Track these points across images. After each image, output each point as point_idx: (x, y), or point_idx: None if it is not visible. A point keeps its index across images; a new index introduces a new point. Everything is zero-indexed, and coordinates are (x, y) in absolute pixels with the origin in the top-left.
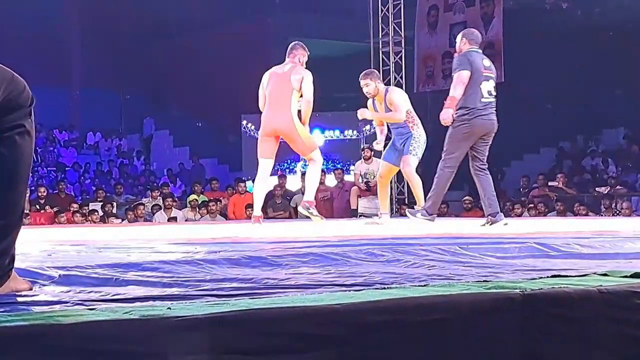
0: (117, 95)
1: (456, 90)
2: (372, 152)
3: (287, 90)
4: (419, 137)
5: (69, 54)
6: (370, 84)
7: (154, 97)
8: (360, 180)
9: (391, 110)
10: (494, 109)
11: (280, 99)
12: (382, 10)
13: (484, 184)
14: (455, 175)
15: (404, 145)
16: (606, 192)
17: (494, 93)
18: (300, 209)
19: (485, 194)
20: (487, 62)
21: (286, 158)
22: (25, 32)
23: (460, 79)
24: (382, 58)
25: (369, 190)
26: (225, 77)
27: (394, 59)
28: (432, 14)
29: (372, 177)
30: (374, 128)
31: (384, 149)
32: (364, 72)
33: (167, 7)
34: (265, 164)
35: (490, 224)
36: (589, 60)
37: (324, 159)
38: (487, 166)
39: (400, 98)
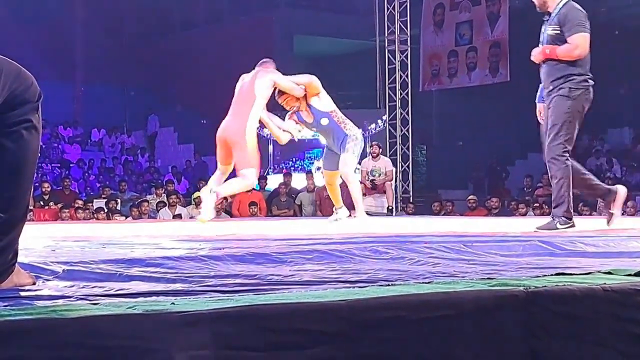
0: (121, 92)
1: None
2: (380, 150)
3: (248, 98)
4: (355, 136)
5: (73, 49)
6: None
7: (158, 94)
8: (367, 178)
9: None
10: None
11: (238, 106)
12: (388, 9)
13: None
14: (459, 174)
15: (341, 145)
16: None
17: None
18: (203, 192)
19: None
20: None
21: (291, 156)
22: (30, 27)
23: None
24: (388, 56)
25: (375, 188)
26: (229, 73)
27: (400, 57)
28: (438, 13)
29: (379, 174)
30: (379, 127)
31: (322, 159)
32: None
33: (171, 3)
34: (221, 169)
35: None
36: (594, 58)
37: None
38: None
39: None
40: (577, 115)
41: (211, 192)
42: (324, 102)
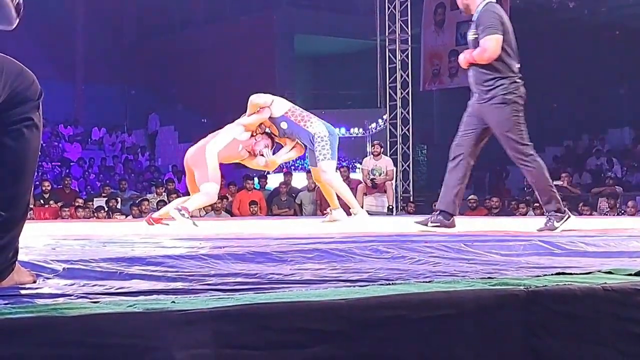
0: (122, 91)
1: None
2: (382, 149)
3: (215, 134)
4: (321, 136)
5: (74, 48)
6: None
7: (159, 93)
8: (367, 177)
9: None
10: None
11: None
12: (388, 8)
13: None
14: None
15: (313, 145)
16: (599, 192)
17: None
18: (172, 212)
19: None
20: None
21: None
22: (30, 26)
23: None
24: (389, 56)
25: (375, 187)
26: (230, 72)
27: (401, 56)
28: (438, 12)
29: (379, 174)
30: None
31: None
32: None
33: (172, 2)
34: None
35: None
36: (595, 59)
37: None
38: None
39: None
40: (519, 115)
41: (177, 210)
42: (275, 107)
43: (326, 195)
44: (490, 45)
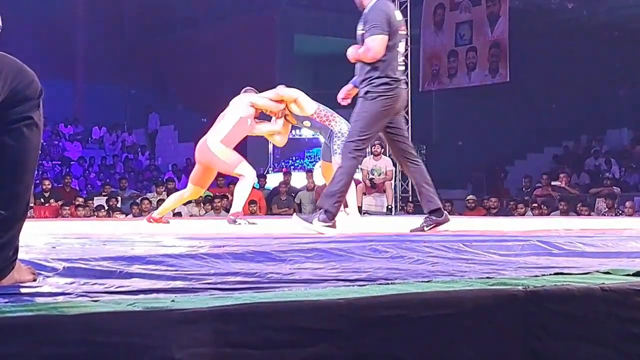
0: (122, 90)
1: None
2: (382, 149)
3: (221, 117)
4: (342, 133)
5: (75, 47)
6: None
7: (159, 92)
8: (367, 177)
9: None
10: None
11: (212, 126)
12: None
13: (418, 174)
14: (458, 174)
15: (330, 141)
16: (598, 192)
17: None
18: (227, 223)
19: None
20: (399, 14)
21: (291, 155)
22: (31, 25)
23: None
24: None
25: (374, 187)
26: (230, 72)
27: None
28: (438, 13)
29: (379, 174)
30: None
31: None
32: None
33: (172, 2)
34: (189, 188)
35: (432, 227)
36: (594, 59)
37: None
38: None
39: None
40: (376, 117)
41: (232, 221)
42: (303, 107)
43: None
44: (374, 45)
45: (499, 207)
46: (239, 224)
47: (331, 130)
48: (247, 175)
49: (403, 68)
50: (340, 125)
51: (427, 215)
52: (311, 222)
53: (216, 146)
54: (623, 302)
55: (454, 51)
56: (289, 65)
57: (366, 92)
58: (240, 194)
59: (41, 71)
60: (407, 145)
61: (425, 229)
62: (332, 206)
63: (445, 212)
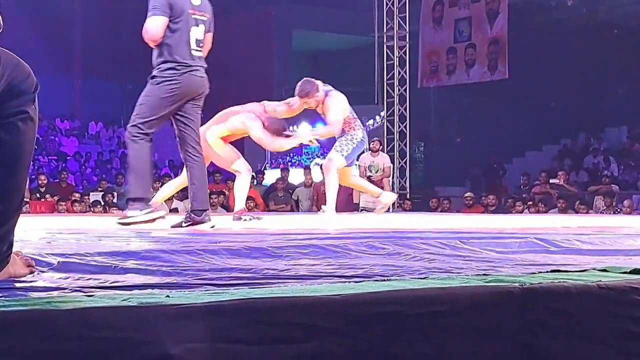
0: (119, 85)
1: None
2: (381, 146)
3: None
4: (353, 136)
5: (72, 42)
6: (310, 102)
7: None
8: (365, 173)
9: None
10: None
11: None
12: (387, 4)
13: (196, 172)
14: (456, 171)
15: (339, 135)
16: (596, 190)
17: (202, 44)
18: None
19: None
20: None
21: (289, 152)
22: (29, 20)
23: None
24: (387, 52)
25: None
26: (227, 68)
27: (398, 53)
28: (437, 9)
29: (376, 170)
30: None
31: None
32: (300, 86)
33: None
34: (184, 175)
35: (189, 224)
36: (593, 57)
37: (327, 153)
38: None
39: (338, 106)
40: (160, 102)
41: (237, 219)
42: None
43: (358, 188)
44: (149, 26)
45: (497, 204)
46: (245, 219)
47: (345, 132)
48: (243, 172)
49: (199, 54)
50: (356, 131)
51: (188, 213)
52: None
53: (214, 140)
54: (620, 299)
55: (453, 48)
56: (287, 61)
57: (153, 77)
58: (240, 192)
59: (38, 66)
60: (192, 137)
61: (184, 224)
62: (143, 197)
63: (207, 214)
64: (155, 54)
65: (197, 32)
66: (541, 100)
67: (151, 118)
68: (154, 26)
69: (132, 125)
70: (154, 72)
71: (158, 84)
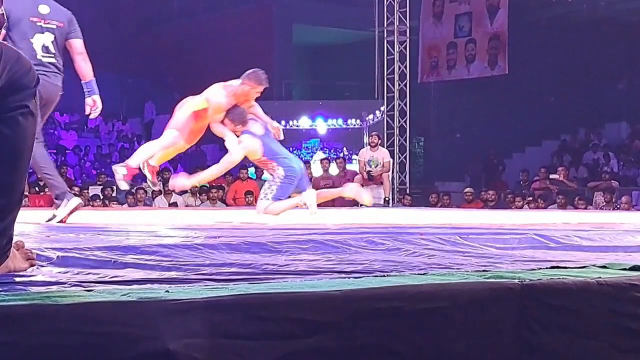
0: (118, 79)
1: None
2: (380, 140)
3: None
4: (274, 177)
5: None
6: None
7: (155, 82)
8: (364, 168)
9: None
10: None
11: None
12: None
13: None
14: (456, 166)
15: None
16: (595, 186)
17: (53, 50)
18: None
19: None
20: (45, 8)
21: (288, 146)
22: None
23: None
24: (387, 47)
25: (372, 179)
26: (227, 62)
27: (399, 48)
28: (437, 4)
29: (376, 165)
30: (377, 118)
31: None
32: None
33: None
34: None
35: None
36: (593, 53)
37: (327, 148)
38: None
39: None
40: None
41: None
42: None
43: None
44: None
45: (497, 200)
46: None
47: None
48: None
49: (50, 60)
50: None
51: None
52: None
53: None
54: (619, 296)
55: (453, 43)
56: (287, 56)
57: None
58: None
59: None
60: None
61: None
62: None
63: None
64: None
65: (44, 39)
66: (541, 96)
67: None
68: None
69: None
70: None
71: None
